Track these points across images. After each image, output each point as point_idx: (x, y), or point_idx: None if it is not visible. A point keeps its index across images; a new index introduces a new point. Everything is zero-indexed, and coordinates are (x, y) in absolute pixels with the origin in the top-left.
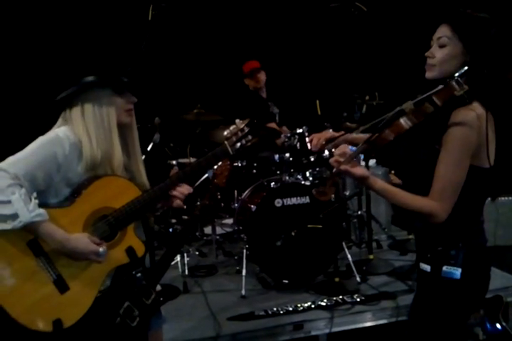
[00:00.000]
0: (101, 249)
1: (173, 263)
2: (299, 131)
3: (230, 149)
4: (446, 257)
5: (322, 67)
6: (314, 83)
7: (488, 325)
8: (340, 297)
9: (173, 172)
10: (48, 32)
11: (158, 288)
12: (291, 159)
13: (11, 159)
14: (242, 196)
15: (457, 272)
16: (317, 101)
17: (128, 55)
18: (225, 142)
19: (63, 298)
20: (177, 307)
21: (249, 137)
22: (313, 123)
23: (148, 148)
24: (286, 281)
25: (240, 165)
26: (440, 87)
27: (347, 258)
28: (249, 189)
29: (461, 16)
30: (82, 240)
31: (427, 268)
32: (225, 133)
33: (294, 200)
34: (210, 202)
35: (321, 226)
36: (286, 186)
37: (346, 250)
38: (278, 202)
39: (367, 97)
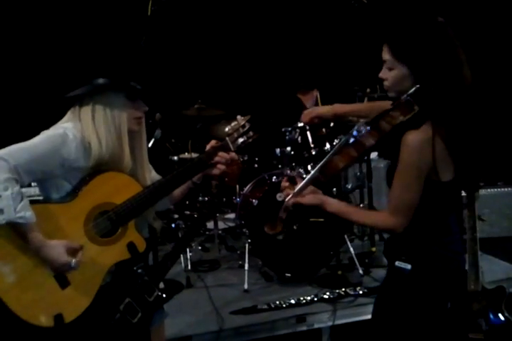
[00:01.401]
0: (73, 262)
1: None
2: (300, 124)
3: (231, 145)
4: (399, 253)
5: (322, 59)
6: (315, 76)
7: (491, 316)
8: (343, 289)
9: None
10: (52, 29)
11: (162, 285)
12: (292, 153)
13: (13, 148)
14: (244, 190)
15: (407, 268)
16: (318, 94)
17: (132, 55)
18: (227, 138)
19: (64, 293)
20: (180, 301)
21: (251, 133)
22: None
23: (150, 144)
24: (289, 275)
25: (241, 159)
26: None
27: (349, 251)
28: (250, 183)
29: (396, 36)
30: (56, 250)
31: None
32: (226, 129)
33: None
34: (217, 199)
35: (323, 219)
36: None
37: (349, 243)
38: (280, 197)
39: (368, 90)
